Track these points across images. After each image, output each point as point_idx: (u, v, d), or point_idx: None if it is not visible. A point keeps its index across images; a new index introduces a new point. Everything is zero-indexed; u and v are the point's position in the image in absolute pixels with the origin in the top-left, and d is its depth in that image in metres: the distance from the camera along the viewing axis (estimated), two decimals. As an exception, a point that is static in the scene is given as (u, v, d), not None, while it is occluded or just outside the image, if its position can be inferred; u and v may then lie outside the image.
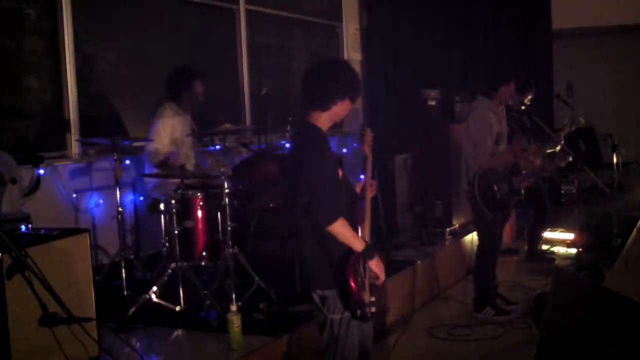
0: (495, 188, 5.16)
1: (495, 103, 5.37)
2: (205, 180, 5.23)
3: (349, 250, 3.21)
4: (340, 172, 3.37)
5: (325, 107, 3.27)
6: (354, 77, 3.34)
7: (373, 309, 3.28)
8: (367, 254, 3.21)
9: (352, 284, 3.16)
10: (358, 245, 3.20)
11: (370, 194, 3.38)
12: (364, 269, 3.25)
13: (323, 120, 3.29)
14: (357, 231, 3.32)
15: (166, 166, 5.17)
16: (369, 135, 3.45)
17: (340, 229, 3.14)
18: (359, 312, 3.20)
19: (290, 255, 4.53)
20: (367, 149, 3.45)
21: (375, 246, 3.35)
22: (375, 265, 3.26)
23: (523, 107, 6.12)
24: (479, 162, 5.24)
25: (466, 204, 5.84)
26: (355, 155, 3.54)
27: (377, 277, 3.29)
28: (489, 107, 5.35)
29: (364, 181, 3.38)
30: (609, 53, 9.38)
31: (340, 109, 3.29)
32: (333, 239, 3.18)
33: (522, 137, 6.21)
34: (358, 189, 3.42)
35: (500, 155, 5.35)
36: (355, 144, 7.56)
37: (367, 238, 3.36)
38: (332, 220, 3.12)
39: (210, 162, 5.96)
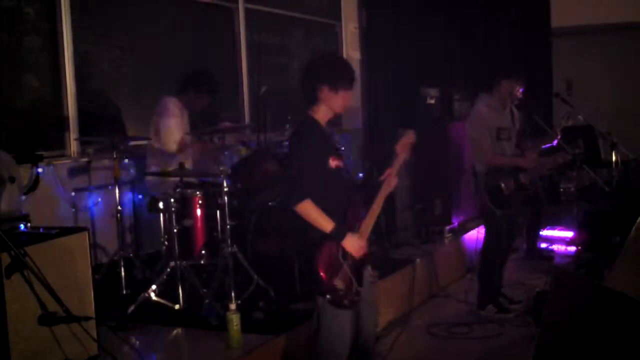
0: (503, 185, 5.17)
1: (494, 97, 5.36)
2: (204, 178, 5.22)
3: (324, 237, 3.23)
4: (335, 162, 3.36)
5: (312, 98, 3.36)
6: (334, 67, 3.42)
7: (355, 298, 3.27)
8: (336, 235, 3.22)
9: (320, 269, 3.18)
10: (326, 226, 3.20)
11: (386, 190, 3.49)
12: (344, 254, 3.25)
13: (320, 112, 3.38)
14: (351, 226, 3.32)
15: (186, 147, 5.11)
16: (409, 138, 3.55)
17: (305, 208, 3.18)
18: (328, 296, 3.21)
19: (290, 254, 4.53)
20: (400, 149, 3.56)
21: (371, 237, 3.39)
22: (350, 245, 3.26)
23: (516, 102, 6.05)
24: (482, 159, 5.26)
25: (466, 202, 5.83)
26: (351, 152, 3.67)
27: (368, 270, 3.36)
28: (486, 102, 5.36)
29: (386, 175, 3.50)
30: (608, 51, 9.35)
31: (328, 98, 3.34)
32: (313, 228, 3.21)
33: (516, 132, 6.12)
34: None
35: (511, 157, 5.34)
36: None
37: (367, 234, 3.37)
38: (299, 200, 3.17)
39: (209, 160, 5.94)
